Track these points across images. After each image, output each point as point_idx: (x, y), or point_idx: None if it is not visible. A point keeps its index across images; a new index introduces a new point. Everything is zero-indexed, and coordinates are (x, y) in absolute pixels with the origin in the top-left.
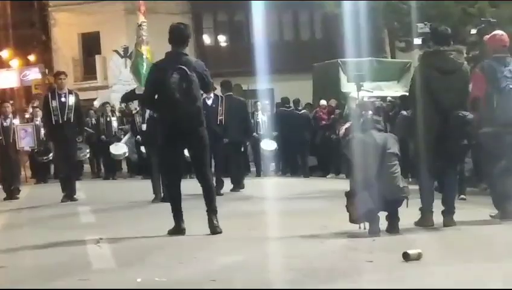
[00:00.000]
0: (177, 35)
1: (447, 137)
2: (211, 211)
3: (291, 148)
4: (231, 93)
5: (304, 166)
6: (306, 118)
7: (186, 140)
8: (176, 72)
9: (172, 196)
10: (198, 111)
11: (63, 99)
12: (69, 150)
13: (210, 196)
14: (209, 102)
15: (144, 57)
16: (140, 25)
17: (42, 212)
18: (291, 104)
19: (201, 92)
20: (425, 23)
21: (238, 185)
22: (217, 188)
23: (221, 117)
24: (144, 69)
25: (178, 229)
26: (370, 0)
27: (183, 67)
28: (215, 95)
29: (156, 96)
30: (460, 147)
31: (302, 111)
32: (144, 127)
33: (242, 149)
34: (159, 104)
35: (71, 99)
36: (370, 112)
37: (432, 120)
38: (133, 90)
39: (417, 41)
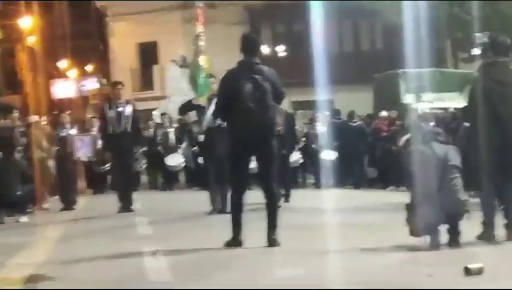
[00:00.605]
0: (250, 44)
1: (506, 148)
2: (272, 225)
3: (348, 159)
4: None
5: (360, 178)
6: (360, 130)
7: (256, 150)
8: (249, 81)
9: (235, 207)
10: (270, 121)
11: (119, 109)
12: (126, 160)
13: (273, 210)
14: None
15: (202, 67)
16: (198, 35)
17: (98, 224)
18: (345, 116)
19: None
20: (485, 33)
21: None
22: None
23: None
24: (201, 79)
25: (235, 241)
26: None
27: (256, 76)
28: None
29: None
30: None
31: (357, 123)
32: (202, 138)
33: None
34: (230, 114)
35: (128, 110)
36: (431, 124)
37: (490, 131)
38: (190, 101)
39: (476, 51)
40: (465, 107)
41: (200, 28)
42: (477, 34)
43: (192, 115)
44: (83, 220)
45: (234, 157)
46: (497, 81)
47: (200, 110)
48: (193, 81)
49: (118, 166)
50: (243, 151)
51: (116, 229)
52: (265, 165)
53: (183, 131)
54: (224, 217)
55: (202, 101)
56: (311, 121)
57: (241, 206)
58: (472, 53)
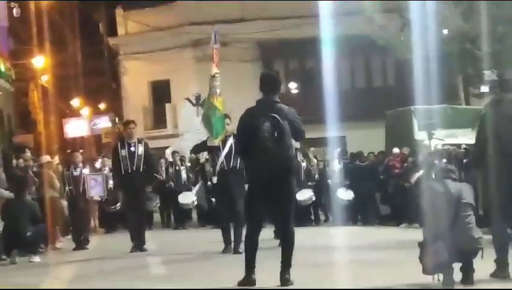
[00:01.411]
0: (269, 83)
1: None
2: (286, 264)
3: (360, 198)
4: None
5: (373, 216)
6: (369, 170)
7: (274, 190)
8: (268, 120)
9: (249, 245)
10: (289, 160)
11: (132, 148)
12: (139, 199)
13: (288, 250)
14: None
15: (216, 108)
16: (213, 76)
17: (111, 264)
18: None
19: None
20: (493, 70)
21: None
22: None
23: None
24: (216, 120)
25: (249, 280)
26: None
27: (276, 115)
28: None
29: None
30: None
31: (365, 163)
32: (215, 179)
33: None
34: (248, 152)
35: (140, 149)
36: (444, 161)
37: (500, 167)
38: (204, 142)
39: (484, 88)
40: (474, 144)
41: (215, 69)
42: (486, 72)
43: (204, 154)
44: (95, 260)
45: (251, 196)
46: (505, 116)
47: (215, 151)
48: (207, 121)
49: (130, 205)
50: (261, 190)
51: (129, 269)
52: (283, 205)
53: (197, 169)
54: (237, 256)
55: (217, 142)
56: (328, 158)
57: (256, 245)
58: (481, 90)
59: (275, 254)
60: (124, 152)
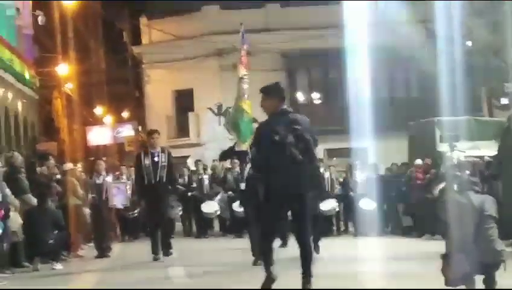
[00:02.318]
0: (279, 92)
1: None
2: (306, 274)
3: (384, 208)
4: None
5: (395, 227)
6: (385, 182)
7: (293, 202)
8: (291, 132)
9: (265, 251)
10: (315, 170)
11: (155, 158)
12: (162, 209)
13: (308, 261)
14: None
15: (245, 111)
16: (241, 78)
17: (133, 272)
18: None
19: None
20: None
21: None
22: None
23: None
24: (244, 124)
25: (269, 279)
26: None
27: (298, 127)
28: None
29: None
30: None
31: (383, 174)
32: (243, 186)
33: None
34: (270, 167)
35: (163, 158)
36: (467, 172)
37: None
38: (232, 147)
39: (505, 100)
40: (495, 156)
41: (243, 71)
42: (506, 84)
43: (226, 162)
44: (117, 268)
45: (269, 208)
46: None
47: (243, 156)
48: (235, 126)
49: (153, 216)
50: (280, 203)
51: (151, 278)
52: (301, 216)
53: (220, 178)
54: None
55: (245, 147)
56: (351, 169)
57: (271, 250)
58: (502, 102)
59: (298, 264)
60: (147, 162)
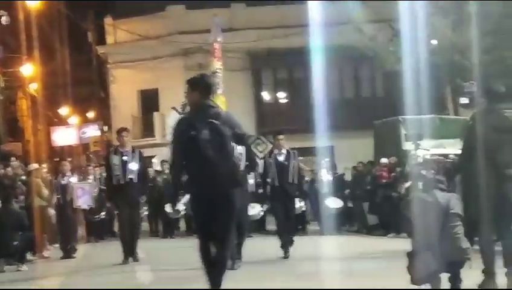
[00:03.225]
0: (204, 85)
1: (502, 197)
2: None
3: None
4: None
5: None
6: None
7: (217, 201)
8: (206, 127)
9: (204, 261)
10: (233, 168)
11: (125, 158)
12: (132, 210)
13: (219, 270)
14: (281, 158)
15: None
16: (214, 72)
17: (99, 274)
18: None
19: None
20: (472, 82)
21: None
22: (285, 248)
23: (294, 176)
24: None
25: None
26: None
27: (215, 121)
28: (287, 151)
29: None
30: None
31: (337, 174)
32: None
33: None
34: (188, 164)
35: (134, 158)
36: (432, 171)
37: (486, 179)
38: None
39: (464, 100)
40: (459, 155)
41: (217, 65)
42: (465, 83)
43: None
44: (83, 269)
45: (195, 212)
46: (493, 128)
47: None
48: None
49: (123, 217)
50: (205, 203)
51: (117, 279)
52: (223, 219)
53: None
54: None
55: None
56: (316, 168)
57: (210, 255)
58: (462, 102)
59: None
60: (116, 161)
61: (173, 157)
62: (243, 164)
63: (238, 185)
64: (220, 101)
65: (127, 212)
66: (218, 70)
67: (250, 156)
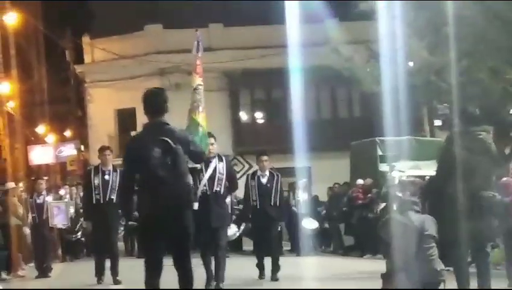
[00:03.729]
0: (154, 103)
1: (476, 218)
2: None
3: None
4: None
5: (337, 246)
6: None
7: (169, 224)
8: (158, 146)
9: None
10: (186, 188)
11: (106, 177)
12: (110, 231)
13: None
14: (264, 180)
15: (200, 126)
16: (195, 89)
17: None
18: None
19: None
20: (445, 105)
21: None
22: (273, 273)
23: (276, 198)
24: (198, 138)
25: None
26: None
27: (166, 139)
28: (271, 173)
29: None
30: (490, 228)
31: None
32: (196, 205)
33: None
34: (139, 184)
35: (115, 177)
36: (408, 193)
37: (460, 201)
38: None
39: (438, 122)
40: (432, 177)
41: (198, 81)
42: (438, 106)
43: None
44: (58, 288)
45: (145, 234)
46: (467, 150)
47: (196, 174)
48: None
49: (100, 237)
50: (156, 226)
51: None
52: (179, 242)
53: None
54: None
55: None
56: (293, 188)
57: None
58: (435, 124)
59: None
60: (97, 181)
61: (123, 177)
62: (222, 185)
63: (190, 206)
64: (202, 118)
65: (105, 232)
66: (199, 87)
67: (230, 176)
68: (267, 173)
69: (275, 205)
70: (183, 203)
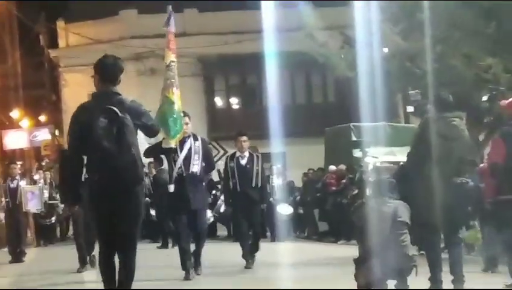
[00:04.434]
0: (105, 70)
1: (448, 204)
2: None
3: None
4: None
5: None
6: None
7: (117, 201)
8: (104, 115)
9: (104, 272)
10: (133, 162)
11: None
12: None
13: (127, 283)
14: (243, 161)
15: (175, 105)
16: (168, 66)
17: (48, 278)
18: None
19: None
20: (417, 91)
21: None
22: (249, 257)
23: (257, 180)
24: (173, 118)
25: None
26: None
27: (113, 108)
28: (250, 154)
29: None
30: (463, 215)
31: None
32: (172, 188)
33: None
34: (87, 157)
35: None
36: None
37: (433, 187)
38: (158, 144)
39: (409, 109)
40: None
41: (171, 57)
42: (410, 92)
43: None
44: (32, 273)
45: (95, 211)
46: (441, 136)
47: (171, 155)
48: (163, 119)
49: (81, 220)
50: (104, 202)
51: (67, 284)
52: (124, 222)
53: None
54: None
55: (173, 143)
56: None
57: (113, 270)
58: (407, 110)
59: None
60: None
61: (69, 149)
62: (199, 165)
63: (140, 181)
64: (177, 96)
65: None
66: (172, 63)
67: (207, 156)
68: (247, 153)
69: (256, 187)
70: (130, 177)
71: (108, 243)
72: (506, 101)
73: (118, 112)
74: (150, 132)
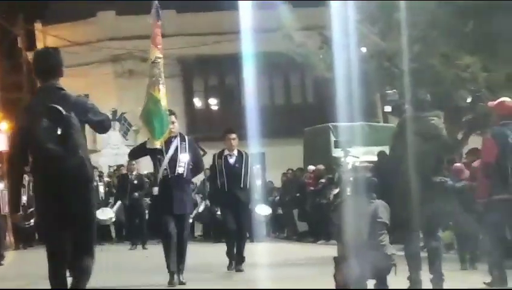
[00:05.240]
0: (37, 63)
1: (426, 203)
2: None
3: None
4: None
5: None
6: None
7: (65, 206)
8: (47, 115)
9: (55, 285)
10: (81, 164)
11: None
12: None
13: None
14: (232, 160)
15: (160, 103)
16: (154, 62)
17: (28, 281)
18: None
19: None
20: (394, 90)
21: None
22: (237, 264)
23: (246, 180)
24: (158, 117)
25: None
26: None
27: (57, 106)
28: (239, 152)
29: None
30: (441, 213)
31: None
32: (156, 190)
33: None
34: (32, 160)
35: None
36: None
37: (412, 186)
38: (142, 144)
39: (387, 108)
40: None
41: (156, 53)
42: (387, 92)
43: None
44: (10, 277)
45: (42, 222)
46: (419, 135)
47: (156, 155)
48: (147, 119)
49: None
50: (52, 207)
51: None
52: (77, 230)
53: (118, 185)
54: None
55: (158, 144)
56: None
57: (65, 282)
58: (385, 110)
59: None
60: None
61: (12, 151)
62: (185, 166)
63: (88, 184)
64: (162, 94)
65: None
66: (158, 60)
67: (195, 157)
68: (235, 152)
69: (244, 188)
70: (78, 180)
71: (60, 252)
72: (495, 102)
73: (63, 110)
74: (100, 128)
